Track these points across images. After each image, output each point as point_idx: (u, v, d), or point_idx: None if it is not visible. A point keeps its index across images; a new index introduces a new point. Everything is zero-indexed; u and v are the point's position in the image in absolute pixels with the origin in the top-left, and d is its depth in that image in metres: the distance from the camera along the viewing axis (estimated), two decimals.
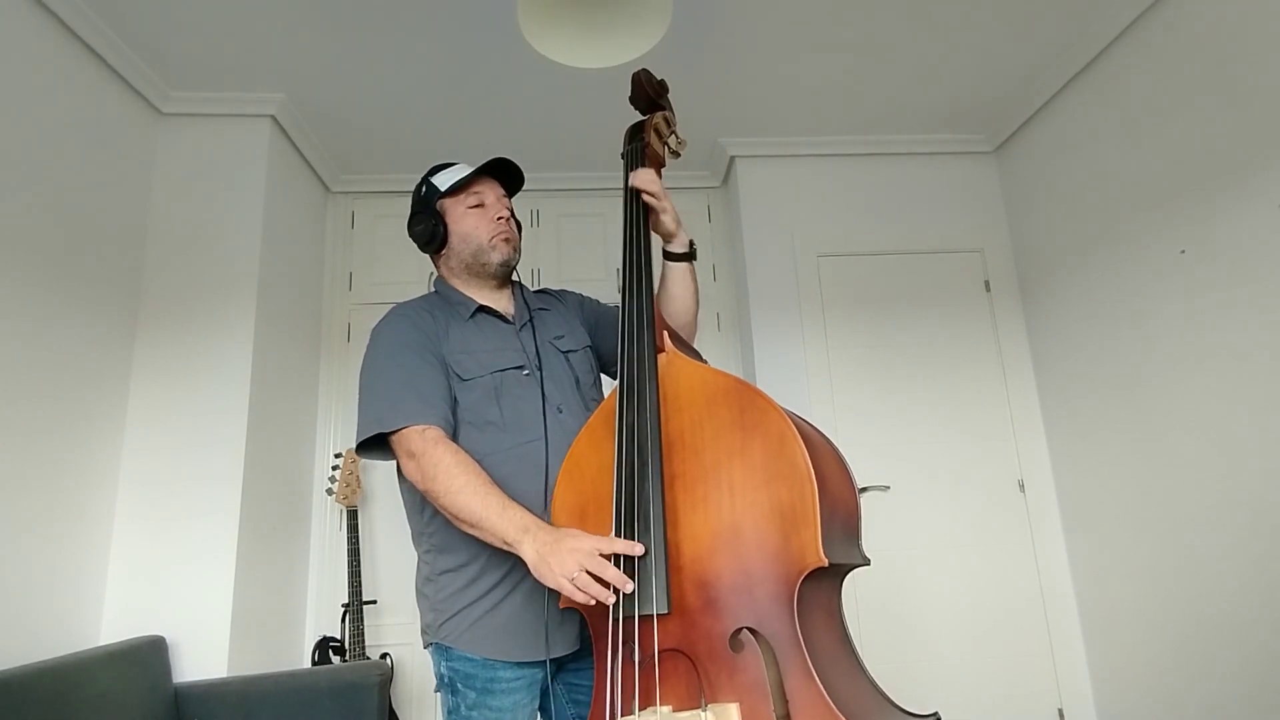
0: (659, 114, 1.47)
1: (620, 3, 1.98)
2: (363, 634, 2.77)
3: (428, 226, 1.47)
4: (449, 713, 1.30)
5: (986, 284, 3.26)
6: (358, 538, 2.83)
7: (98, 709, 1.86)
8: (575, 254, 3.42)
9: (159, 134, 2.67)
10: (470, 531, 1.20)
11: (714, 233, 3.48)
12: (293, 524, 2.90)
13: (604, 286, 3.35)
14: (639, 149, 1.42)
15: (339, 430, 3.15)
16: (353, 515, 2.84)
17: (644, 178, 1.35)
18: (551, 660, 1.28)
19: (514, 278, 1.55)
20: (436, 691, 1.34)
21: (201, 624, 2.32)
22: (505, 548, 1.15)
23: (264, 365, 2.63)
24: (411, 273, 3.30)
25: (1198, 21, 2.28)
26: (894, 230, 3.27)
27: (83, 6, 2.22)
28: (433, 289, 1.53)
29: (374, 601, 2.93)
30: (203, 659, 2.29)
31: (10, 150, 2.00)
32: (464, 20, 2.41)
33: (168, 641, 2.24)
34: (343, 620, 2.84)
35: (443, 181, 1.49)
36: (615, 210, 3.62)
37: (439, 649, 1.33)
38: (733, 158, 3.29)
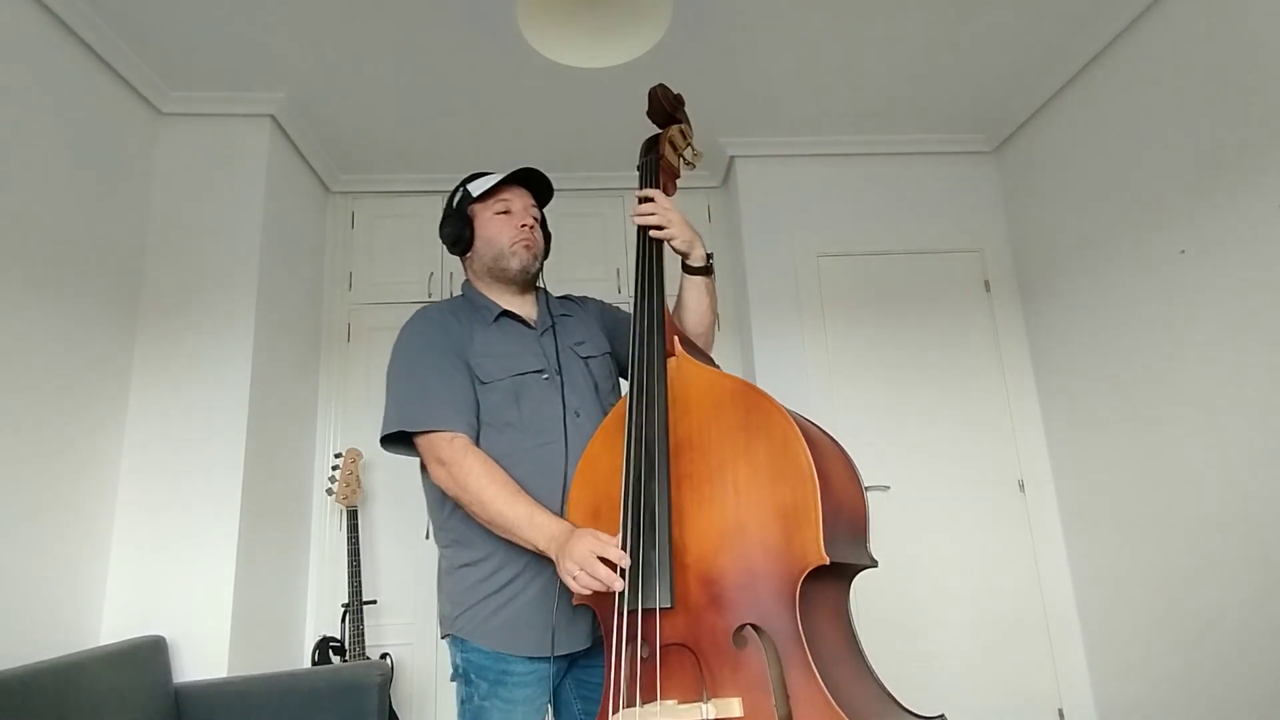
0: (675, 127, 1.48)
1: (620, 3, 1.98)
2: (363, 634, 2.77)
3: (455, 229, 1.53)
4: (462, 702, 1.35)
5: (986, 284, 3.26)
6: (358, 538, 2.83)
7: (98, 709, 1.86)
8: (575, 254, 3.42)
9: (159, 134, 2.67)
10: (502, 535, 1.28)
11: (714, 233, 3.48)
12: (293, 524, 2.90)
13: (604, 286, 3.35)
14: (653, 162, 1.44)
15: (339, 430, 3.15)
16: (353, 515, 2.84)
17: (645, 209, 1.37)
18: (564, 657, 1.33)
19: (539, 284, 1.59)
20: (452, 681, 1.38)
21: (201, 624, 2.32)
22: (536, 553, 1.24)
23: (264, 365, 2.63)
24: (411, 273, 3.30)
25: (1198, 21, 2.29)
26: (894, 230, 3.27)
27: (82, 6, 2.22)
28: (460, 292, 1.59)
29: (374, 601, 2.93)
30: (203, 659, 2.29)
31: (9, 150, 2.00)
32: (464, 20, 2.41)
33: (168, 641, 2.23)
34: (343, 620, 2.84)
35: (475, 188, 1.55)
36: (615, 210, 3.63)
37: (455, 640, 1.37)
38: (732, 158, 3.29)
